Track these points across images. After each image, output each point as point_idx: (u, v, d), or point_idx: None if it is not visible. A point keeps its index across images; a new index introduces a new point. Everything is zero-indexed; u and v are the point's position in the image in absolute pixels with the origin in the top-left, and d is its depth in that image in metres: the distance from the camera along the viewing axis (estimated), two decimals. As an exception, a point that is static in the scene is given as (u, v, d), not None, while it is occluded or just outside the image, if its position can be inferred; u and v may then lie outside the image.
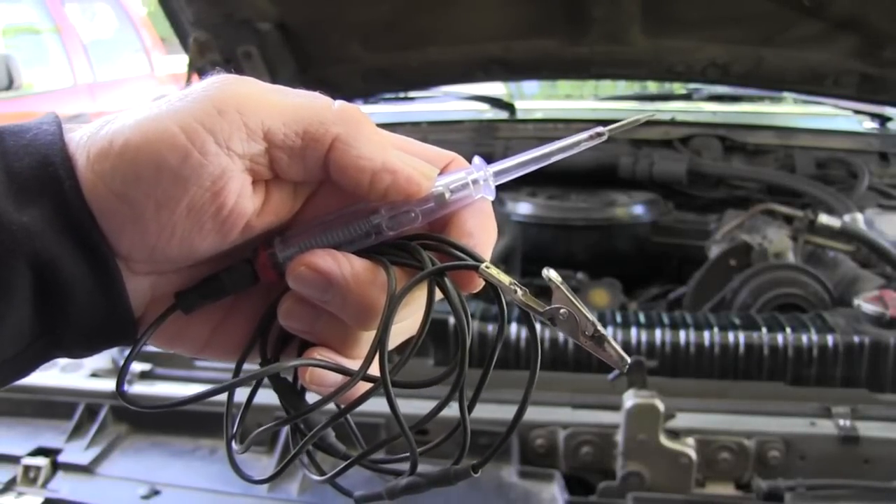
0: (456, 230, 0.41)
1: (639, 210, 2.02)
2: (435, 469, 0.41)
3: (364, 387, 0.39)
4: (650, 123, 2.37)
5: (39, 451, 1.19)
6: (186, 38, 2.06)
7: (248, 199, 0.38)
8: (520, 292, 0.38)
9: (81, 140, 0.38)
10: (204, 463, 1.17)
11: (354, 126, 0.39)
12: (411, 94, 2.59)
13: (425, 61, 2.22)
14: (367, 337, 0.41)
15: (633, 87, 3.06)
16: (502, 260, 1.84)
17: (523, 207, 2.01)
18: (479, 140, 2.24)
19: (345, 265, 0.40)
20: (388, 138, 0.41)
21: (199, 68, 2.10)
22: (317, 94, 0.40)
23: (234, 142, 0.37)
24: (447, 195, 0.41)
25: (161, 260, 0.39)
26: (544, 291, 0.40)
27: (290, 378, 0.44)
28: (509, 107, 2.53)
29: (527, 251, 1.97)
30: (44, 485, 1.14)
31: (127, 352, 0.41)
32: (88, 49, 5.29)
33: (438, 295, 0.40)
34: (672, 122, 2.34)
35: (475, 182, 0.41)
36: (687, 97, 2.69)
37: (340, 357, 0.41)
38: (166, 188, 0.36)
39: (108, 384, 1.29)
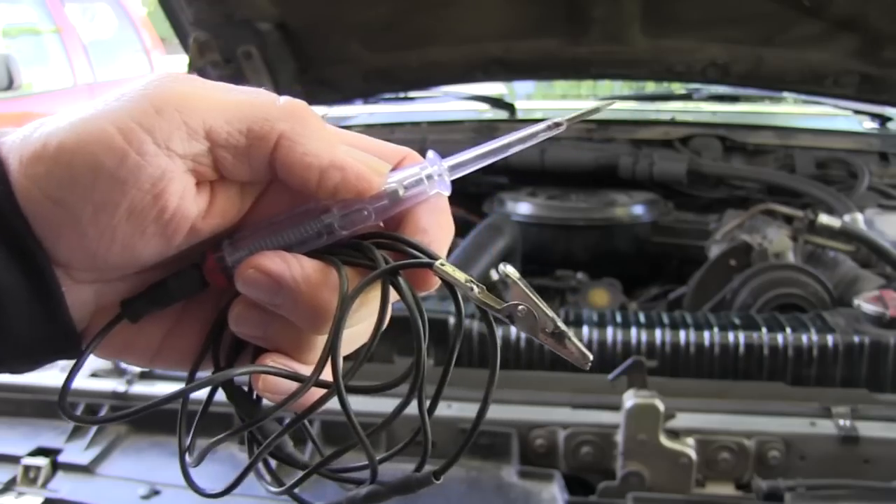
0: (410, 227, 0.40)
1: (639, 210, 2.02)
2: (397, 475, 0.40)
3: (321, 392, 0.38)
4: (650, 123, 2.37)
5: (39, 451, 1.19)
6: (186, 38, 2.06)
7: (192, 200, 0.37)
8: (476, 290, 0.37)
9: (14, 144, 0.36)
10: (203, 463, 1.17)
11: (300, 122, 0.37)
12: (411, 94, 2.59)
13: (425, 61, 2.22)
14: (322, 341, 0.40)
15: (631, 86, 3.06)
16: (502, 260, 1.84)
17: (523, 207, 2.01)
18: (479, 140, 2.24)
19: (295, 266, 0.38)
20: (338, 135, 0.40)
21: (199, 68, 2.10)
22: (261, 90, 0.38)
23: (174, 141, 0.35)
24: (401, 192, 0.39)
25: (103, 267, 0.37)
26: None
27: (245, 386, 0.42)
28: (509, 107, 2.53)
29: (527, 251, 1.97)
30: (44, 485, 1.14)
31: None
32: (88, 49, 5.29)
33: (395, 296, 0.38)
34: (672, 122, 2.34)
35: (430, 177, 0.40)
36: (687, 97, 2.69)
37: (294, 362, 0.40)
38: (104, 191, 0.35)
39: (109, 384, 1.28)
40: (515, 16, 2.08)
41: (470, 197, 2.14)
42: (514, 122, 2.45)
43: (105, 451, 1.20)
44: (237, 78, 2.14)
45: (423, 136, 2.26)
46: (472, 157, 0.41)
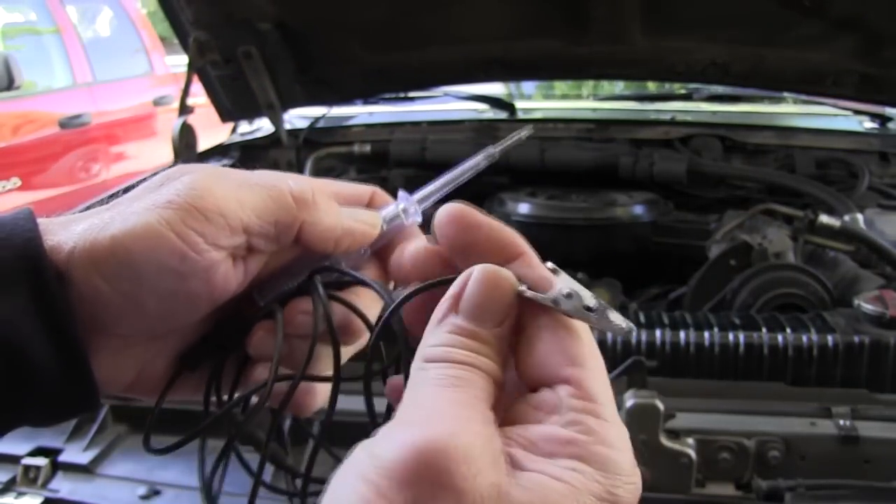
0: (399, 254, 0.49)
1: (639, 210, 2.02)
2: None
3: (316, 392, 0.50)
4: (650, 123, 2.37)
5: (39, 451, 1.19)
6: (186, 38, 2.06)
7: (233, 276, 0.46)
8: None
9: (79, 240, 0.43)
10: (197, 462, 1.17)
11: (314, 208, 0.47)
12: (411, 94, 2.59)
13: (425, 61, 2.22)
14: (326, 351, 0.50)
15: (631, 86, 3.06)
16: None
17: (523, 207, 2.01)
18: (479, 140, 2.24)
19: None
20: (329, 189, 0.50)
21: (199, 68, 2.10)
22: (276, 181, 0.47)
23: (221, 239, 0.44)
24: (385, 227, 0.51)
25: (158, 333, 0.47)
26: None
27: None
28: (509, 107, 2.53)
29: (527, 251, 1.96)
30: (44, 485, 1.14)
31: None
32: (88, 49, 5.28)
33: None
34: (672, 122, 2.34)
35: (405, 211, 0.51)
36: (687, 97, 2.69)
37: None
38: (167, 284, 0.43)
39: (108, 384, 1.29)
40: (515, 16, 2.08)
41: (470, 197, 2.13)
42: (514, 122, 2.45)
43: (105, 451, 1.20)
44: (237, 77, 2.14)
45: (423, 136, 2.26)
46: (433, 189, 0.52)
